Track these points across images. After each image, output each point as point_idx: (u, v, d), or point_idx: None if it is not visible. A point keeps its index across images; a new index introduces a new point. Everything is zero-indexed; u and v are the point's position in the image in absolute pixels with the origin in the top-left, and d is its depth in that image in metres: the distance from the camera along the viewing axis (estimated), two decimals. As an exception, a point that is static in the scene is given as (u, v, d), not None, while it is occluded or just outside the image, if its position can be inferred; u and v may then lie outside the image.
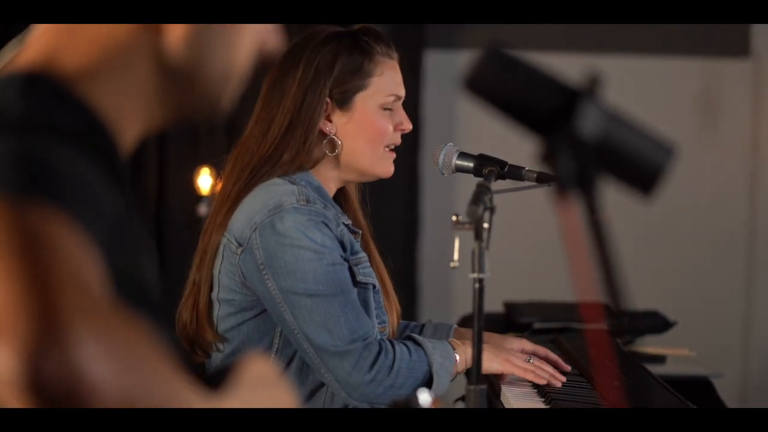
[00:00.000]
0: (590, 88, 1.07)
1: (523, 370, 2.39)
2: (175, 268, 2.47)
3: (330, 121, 2.33)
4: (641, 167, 1.10)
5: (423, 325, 2.61)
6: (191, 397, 0.95)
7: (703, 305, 4.80)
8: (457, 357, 2.33)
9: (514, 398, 2.38)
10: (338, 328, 2.22)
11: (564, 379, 2.43)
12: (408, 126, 2.39)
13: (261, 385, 1.10)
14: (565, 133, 1.05)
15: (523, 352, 2.46)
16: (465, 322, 2.88)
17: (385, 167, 2.38)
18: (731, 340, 4.87)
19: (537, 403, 2.35)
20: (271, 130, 2.30)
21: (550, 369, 2.43)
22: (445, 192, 4.85)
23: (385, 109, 2.35)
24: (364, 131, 2.34)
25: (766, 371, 4.91)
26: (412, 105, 4.71)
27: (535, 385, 2.45)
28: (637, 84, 4.83)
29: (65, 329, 0.86)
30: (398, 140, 2.39)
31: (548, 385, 2.41)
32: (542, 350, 2.49)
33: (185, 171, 4.02)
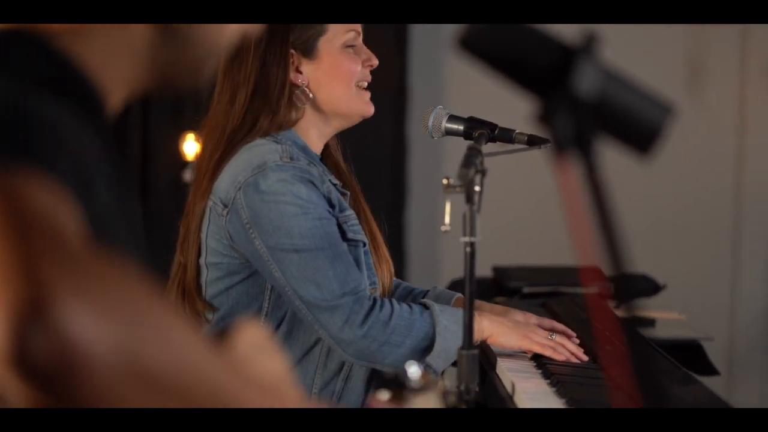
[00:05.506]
0: (587, 46, 1.05)
1: (541, 347, 2.30)
2: (158, 234, 2.45)
3: (300, 72, 2.32)
4: (639, 126, 1.09)
5: (426, 292, 2.54)
6: (197, 340, 0.91)
7: (691, 268, 4.81)
8: None
9: (511, 372, 2.24)
10: (327, 283, 2.19)
11: (586, 358, 2.32)
12: (375, 61, 2.39)
13: (252, 351, 1.08)
14: (562, 93, 1.03)
15: (540, 326, 2.35)
16: (454, 286, 2.84)
17: (364, 106, 2.37)
18: (719, 302, 4.89)
19: (537, 377, 2.22)
20: (238, 97, 2.29)
21: (571, 347, 2.32)
22: (433, 157, 4.83)
23: (349, 46, 2.35)
24: (336, 73, 2.33)
25: (752, 333, 4.93)
26: (398, 70, 4.69)
27: (534, 357, 2.34)
28: (623, 50, 4.81)
29: (49, 295, 0.82)
30: (368, 77, 2.38)
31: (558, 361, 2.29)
32: (560, 326, 2.38)
33: (170, 137, 4.00)
